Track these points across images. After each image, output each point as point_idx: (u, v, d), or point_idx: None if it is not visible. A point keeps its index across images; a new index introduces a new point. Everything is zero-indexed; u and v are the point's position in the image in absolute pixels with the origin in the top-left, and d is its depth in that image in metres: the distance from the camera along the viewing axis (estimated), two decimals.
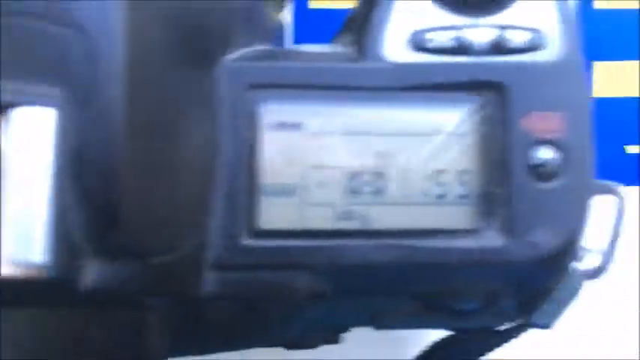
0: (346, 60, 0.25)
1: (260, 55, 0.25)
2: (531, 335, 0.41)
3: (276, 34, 0.31)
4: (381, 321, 0.28)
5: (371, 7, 0.26)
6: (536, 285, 0.26)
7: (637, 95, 0.42)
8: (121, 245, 0.22)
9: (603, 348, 0.40)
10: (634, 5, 0.42)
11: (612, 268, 0.41)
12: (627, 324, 0.40)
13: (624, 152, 0.42)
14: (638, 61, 0.42)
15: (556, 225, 0.24)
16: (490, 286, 0.26)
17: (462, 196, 0.25)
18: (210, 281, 0.24)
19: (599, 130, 0.43)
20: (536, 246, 0.24)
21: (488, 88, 0.25)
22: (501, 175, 0.25)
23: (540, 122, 0.25)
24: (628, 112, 0.42)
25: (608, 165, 0.40)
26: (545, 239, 0.24)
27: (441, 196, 0.25)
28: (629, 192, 0.42)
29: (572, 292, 0.27)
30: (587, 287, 0.41)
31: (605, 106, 0.42)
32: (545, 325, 0.28)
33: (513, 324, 0.28)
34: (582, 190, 0.25)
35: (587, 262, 0.27)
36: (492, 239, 0.25)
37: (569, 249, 0.25)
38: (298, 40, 0.41)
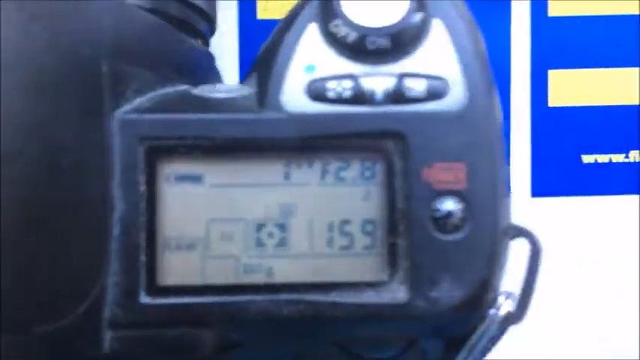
0: (246, 110, 0.25)
1: (157, 104, 0.25)
2: (532, 335, 0.41)
3: (200, 63, 0.30)
4: None
5: (271, 55, 0.25)
6: (450, 333, 0.26)
7: (594, 104, 0.41)
8: (4, 318, 0.22)
9: (603, 348, 0.40)
10: (589, 12, 0.41)
11: (612, 269, 0.41)
12: (627, 324, 0.40)
13: (581, 162, 0.41)
14: (592, 69, 0.41)
15: (461, 277, 0.24)
16: (400, 335, 0.25)
17: (367, 247, 0.25)
18: (108, 341, 0.24)
19: (556, 139, 0.42)
20: (440, 300, 0.24)
21: (389, 138, 0.24)
22: (405, 226, 0.24)
23: (442, 173, 0.24)
24: (584, 121, 0.41)
25: (566, 175, 0.40)
26: (449, 292, 0.24)
27: (345, 247, 0.25)
28: (629, 200, 0.42)
29: (494, 338, 0.27)
30: (588, 287, 0.41)
31: (561, 115, 0.41)
32: None
33: None
34: (488, 240, 0.24)
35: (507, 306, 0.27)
36: (396, 293, 0.24)
37: (477, 300, 0.25)
38: (244, 51, 0.41)
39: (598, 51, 0.41)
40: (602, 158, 0.41)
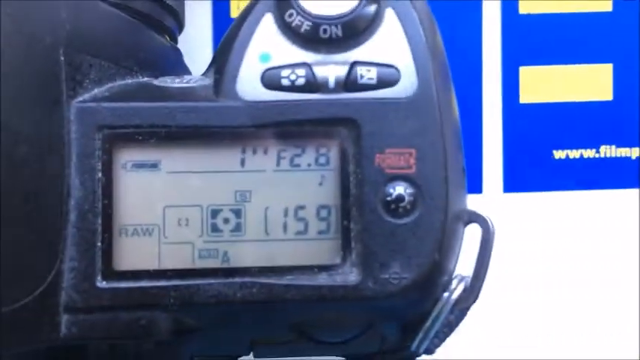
0: (202, 99, 0.25)
1: (115, 94, 0.25)
2: (531, 335, 0.41)
3: (166, 58, 0.31)
4: (259, 350, 0.28)
5: (228, 45, 0.26)
6: (404, 316, 0.26)
7: (565, 100, 0.41)
8: None
9: (603, 348, 0.40)
10: (559, 9, 0.41)
11: (585, 264, 0.42)
12: (627, 324, 0.40)
13: (553, 157, 0.42)
14: (563, 66, 0.41)
15: (411, 260, 0.25)
16: (355, 317, 0.26)
17: (321, 232, 0.25)
18: (65, 324, 0.24)
19: (527, 136, 0.43)
20: (390, 282, 0.24)
21: (342, 124, 0.25)
22: (358, 211, 0.25)
23: (393, 158, 0.25)
24: (555, 117, 0.42)
25: (538, 170, 0.40)
26: (399, 275, 0.24)
27: (300, 232, 0.25)
28: (600, 195, 0.42)
29: (453, 320, 0.27)
30: (588, 288, 0.41)
31: (533, 111, 0.42)
32: (429, 351, 0.28)
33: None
34: (438, 224, 0.25)
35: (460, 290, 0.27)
36: (349, 275, 0.25)
37: (428, 282, 0.25)
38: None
39: (568, 48, 0.42)
40: (574, 154, 0.42)
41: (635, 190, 0.41)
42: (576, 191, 0.42)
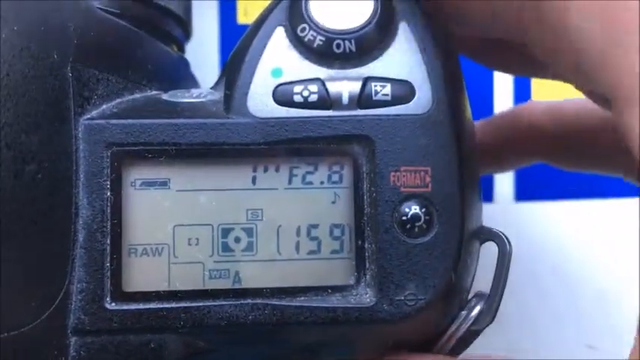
0: (212, 115, 0.25)
1: (124, 110, 0.25)
2: (531, 335, 0.41)
3: (174, 69, 0.30)
4: None
5: (239, 59, 0.25)
6: (420, 338, 0.26)
7: None
8: None
9: (605, 350, 0.40)
10: None
11: (612, 270, 0.41)
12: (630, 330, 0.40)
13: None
14: None
15: (427, 281, 0.24)
16: (370, 340, 0.25)
17: (334, 252, 0.25)
18: (74, 347, 0.24)
19: None
20: (405, 304, 0.24)
21: (355, 141, 0.24)
22: (372, 230, 0.24)
23: (409, 177, 0.24)
24: None
25: (550, 179, 0.40)
26: (415, 296, 0.24)
27: (313, 252, 0.25)
28: (611, 204, 0.42)
29: (466, 339, 0.27)
30: (599, 295, 0.41)
31: None
32: None
33: None
34: (454, 243, 0.24)
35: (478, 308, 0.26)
36: (363, 297, 0.24)
37: (444, 303, 0.24)
38: (225, 57, 0.41)
39: None
40: None
41: None
42: (589, 200, 0.41)
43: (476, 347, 0.27)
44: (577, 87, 0.24)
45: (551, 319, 0.42)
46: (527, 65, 0.29)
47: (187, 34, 0.32)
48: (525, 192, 0.42)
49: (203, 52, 0.40)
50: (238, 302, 0.24)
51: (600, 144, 0.31)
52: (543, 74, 0.31)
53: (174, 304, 0.24)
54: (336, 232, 0.25)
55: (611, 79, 0.21)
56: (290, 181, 0.25)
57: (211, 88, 0.27)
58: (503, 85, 0.42)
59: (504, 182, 0.42)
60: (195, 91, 0.27)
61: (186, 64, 0.32)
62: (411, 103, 0.24)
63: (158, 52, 0.29)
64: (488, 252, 0.27)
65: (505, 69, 0.32)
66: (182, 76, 0.31)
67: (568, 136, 0.32)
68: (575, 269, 0.42)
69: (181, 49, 0.32)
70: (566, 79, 0.24)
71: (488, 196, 0.42)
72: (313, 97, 0.24)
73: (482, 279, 0.27)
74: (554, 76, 0.28)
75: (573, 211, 0.42)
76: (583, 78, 0.22)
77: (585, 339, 0.42)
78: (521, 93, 0.42)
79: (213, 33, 0.42)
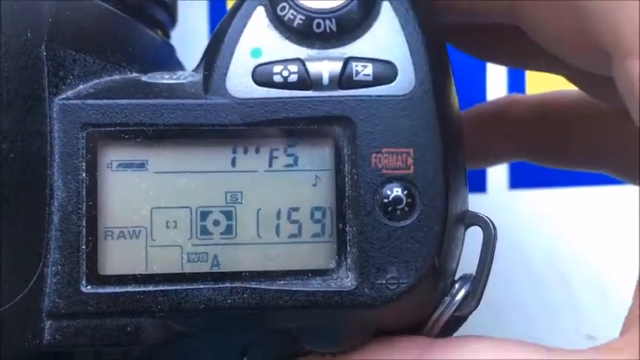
0: (191, 96, 0.24)
1: (99, 90, 0.24)
2: (526, 325, 0.40)
3: (158, 53, 0.30)
4: (251, 357, 0.27)
5: (218, 40, 0.25)
6: (402, 323, 0.25)
7: None
8: None
9: (603, 337, 0.40)
10: None
11: (609, 258, 0.41)
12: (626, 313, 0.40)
13: None
14: None
15: (409, 265, 0.23)
16: (351, 324, 0.25)
17: (315, 235, 0.24)
18: (49, 331, 0.23)
19: None
20: (387, 288, 0.23)
21: (336, 123, 0.24)
22: (353, 213, 0.24)
23: (390, 159, 0.24)
24: None
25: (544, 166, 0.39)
26: (396, 280, 0.23)
27: (294, 235, 0.24)
28: (604, 192, 0.41)
29: (450, 324, 0.26)
30: (594, 283, 0.40)
31: None
32: None
33: None
34: (436, 227, 0.23)
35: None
36: (344, 280, 0.24)
37: (427, 287, 0.24)
38: None
39: None
40: None
41: None
42: (583, 187, 0.41)
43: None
44: (571, 59, 0.24)
45: (546, 309, 0.42)
46: (518, 55, 0.28)
47: (173, 19, 0.32)
48: (519, 180, 0.42)
49: (192, 39, 0.40)
50: (217, 286, 0.24)
51: (585, 137, 0.31)
52: (534, 64, 0.30)
53: (151, 288, 0.24)
54: (317, 215, 0.24)
55: (611, 30, 0.21)
56: (270, 164, 0.24)
57: (193, 71, 0.26)
58: (496, 76, 0.42)
59: (498, 170, 0.41)
60: (175, 73, 0.26)
61: (171, 49, 0.31)
62: (393, 83, 0.24)
63: (140, 34, 0.28)
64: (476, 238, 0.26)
65: (495, 59, 0.31)
66: (166, 60, 0.31)
67: (551, 129, 0.31)
68: (571, 258, 0.42)
69: (167, 35, 0.32)
70: (560, 53, 0.24)
71: (482, 184, 0.41)
72: (293, 78, 0.24)
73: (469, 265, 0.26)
74: (548, 65, 0.28)
75: (568, 198, 0.41)
76: (581, 36, 0.22)
77: (584, 329, 0.41)
78: (515, 84, 0.42)
79: (202, 20, 0.41)
